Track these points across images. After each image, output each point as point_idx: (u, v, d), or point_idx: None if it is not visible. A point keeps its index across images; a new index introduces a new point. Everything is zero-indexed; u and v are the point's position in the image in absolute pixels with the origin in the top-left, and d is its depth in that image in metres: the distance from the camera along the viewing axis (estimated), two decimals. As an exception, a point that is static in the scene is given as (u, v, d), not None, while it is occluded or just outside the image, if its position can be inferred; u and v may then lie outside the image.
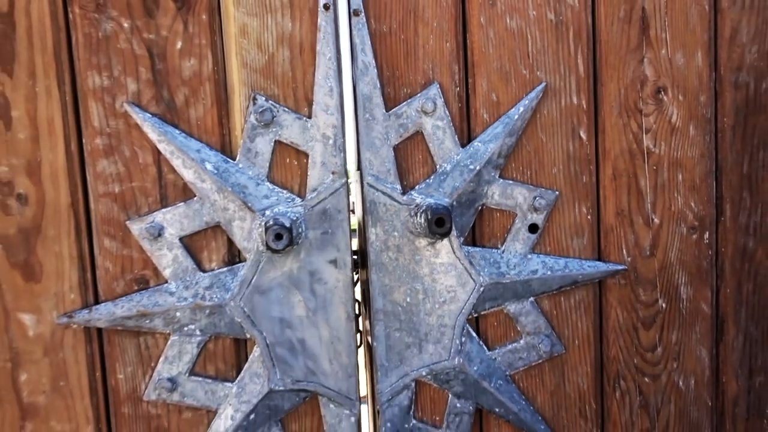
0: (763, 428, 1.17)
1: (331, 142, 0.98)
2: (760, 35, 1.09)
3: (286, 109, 0.97)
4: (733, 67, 1.09)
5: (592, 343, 1.11)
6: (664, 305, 1.11)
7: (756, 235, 1.12)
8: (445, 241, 1.02)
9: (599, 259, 1.09)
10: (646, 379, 1.13)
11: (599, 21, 1.05)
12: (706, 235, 1.11)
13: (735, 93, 1.09)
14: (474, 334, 1.07)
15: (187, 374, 1.00)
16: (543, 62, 1.04)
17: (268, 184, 0.98)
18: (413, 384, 1.06)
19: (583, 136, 1.06)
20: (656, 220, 1.09)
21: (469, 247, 1.05)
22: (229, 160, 0.97)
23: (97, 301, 0.96)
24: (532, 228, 1.07)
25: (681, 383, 1.13)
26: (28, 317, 0.95)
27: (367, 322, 1.09)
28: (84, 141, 0.93)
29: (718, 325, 1.13)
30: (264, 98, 0.96)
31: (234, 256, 0.99)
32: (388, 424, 1.06)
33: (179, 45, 0.94)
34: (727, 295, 1.13)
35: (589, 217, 1.08)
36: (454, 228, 1.01)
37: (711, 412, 1.15)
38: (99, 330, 0.97)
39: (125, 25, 0.92)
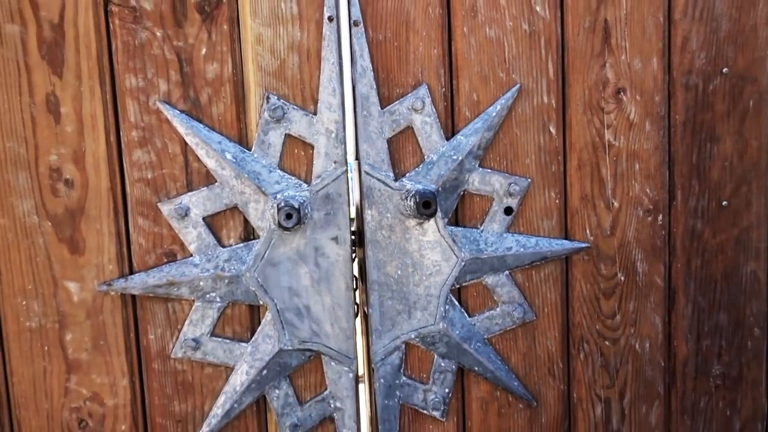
0: (709, 386, 1.34)
1: (333, 135, 1.14)
2: (708, 43, 1.24)
3: (295, 107, 1.13)
4: (684, 71, 1.25)
5: (560, 311, 1.27)
6: (622, 278, 1.28)
7: (703, 218, 1.29)
8: (432, 221, 1.18)
9: (566, 238, 1.25)
10: (607, 343, 1.29)
11: (567, 31, 1.21)
12: (660, 217, 1.27)
13: (686, 93, 1.25)
14: (456, 303, 1.23)
15: (208, 335, 1.16)
16: (518, 66, 1.20)
17: (278, 171, 1.14)
18: (403, 346, 1.23)
19: (553, 130, 1.22)
20: (616, 204, 1.26)
21: (452, 227, 1.21)
22: (245, 150, 1.13)
23: (131, 272, 1.12)
24: (508, 210, 1.23)
25: (637, 346, 1.30)
26: (73, 285, 1.10)
27: (364, 295, 1.25)
28: (121, 134, 1.09)
29: (670, 296, 1.30)
30: (276, 97, 1.12)
31: (249, 234, 1.15)
32: (382, 380, 1.22)
33: (204, 51, 1.09)
34: (678, 269, 1.29)
35: (557, 201, 1.24)
36: (439, 210, 1.17)
37: (664, 371, 1.32)
38: (133, 296, 1.13)
39: (158, 34, 1.07)
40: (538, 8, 1.19)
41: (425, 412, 1.25)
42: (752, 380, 1.35)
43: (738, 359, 1.34)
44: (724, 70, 1.25)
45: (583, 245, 1.25)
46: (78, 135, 1.07)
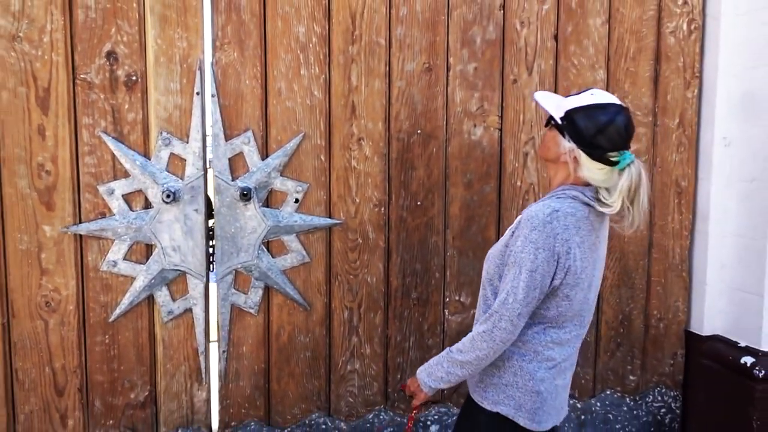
0: (410, 304, 2.40)
1: (197, 154, 2.12)
2: (411, 116, 2.30)
3: (176, 138, 2.10)
4: (397, 130, 2.30)
5: (324, 257, 2.30)
6: (360, 241, 2.32)
7: (407, 210, 2.35)
8: (251, 203, 2.18)
9: (330, 217, 2.28)
10: (351, 276, 2.33)
11: (332, 105, 2.23)
12: (383, 209, 2.33)
13: (398, 142, 2.31)
14: (265, 249, 2.24)
15: (122, 259, 2.11)
16: (304, 123, 2.21)
17: (166, 172, 2.11)
18: (234, 271, 2.22)
19: (322, 158, 2.25)
20: (357, 200, 2.30)
21: (264, 208, 2.21)
22: (148, 159, 2.09)
23: (80, 222, 2.06)
24: (296, 201, 2.24)
25: (369, 279, 2.35)
26: (47, 227, 2.03)
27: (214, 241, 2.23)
28: (79, 147, 2.02)
29: (388, 252, 2.36)
30: (166, 132, 2.08)
31: (148, 205, 2.11)
32: (221, 290, 2.21)
33: (126, 106, 2.04)
34: (392, 238, 2.35)
35: (324, 197, 2.27)
36: (255, 198, 2.17)
37: (384, 294, 2.38)
38: (81, 236, 2.07)
39: (101, 95, 2.02)
40: (315, 92, 2.21)
41: (246, 309, 2.25)
42: (434, 302, 2.43)
43: (426, 290, 2.42)
44: (419, 131, 2.32)
45: (339, 222, 2.29)
46: (54, 147, 2.00)
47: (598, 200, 1.53)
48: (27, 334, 2.07)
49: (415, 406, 1.76)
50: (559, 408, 1.65)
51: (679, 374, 2.70)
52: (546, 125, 1.65)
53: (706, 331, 2.63)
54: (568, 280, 1.50)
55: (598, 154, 1.51)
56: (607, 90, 2.44)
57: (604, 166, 1.52)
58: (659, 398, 2.69)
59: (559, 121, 1.56)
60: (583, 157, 1.53)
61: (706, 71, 2.57)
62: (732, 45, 2.49)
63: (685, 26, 2.53)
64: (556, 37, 2.40)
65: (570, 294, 1.52)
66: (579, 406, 2.60)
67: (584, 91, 1.58)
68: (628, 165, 1.51)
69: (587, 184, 1.56)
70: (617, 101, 1.56)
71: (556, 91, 2.41)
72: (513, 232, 1.54)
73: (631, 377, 2.65)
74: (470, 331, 1.59)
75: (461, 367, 1.55)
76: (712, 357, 2.58)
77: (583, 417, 2.61)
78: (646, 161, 2.55)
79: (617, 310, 2.60)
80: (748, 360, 2.42)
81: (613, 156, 1.51)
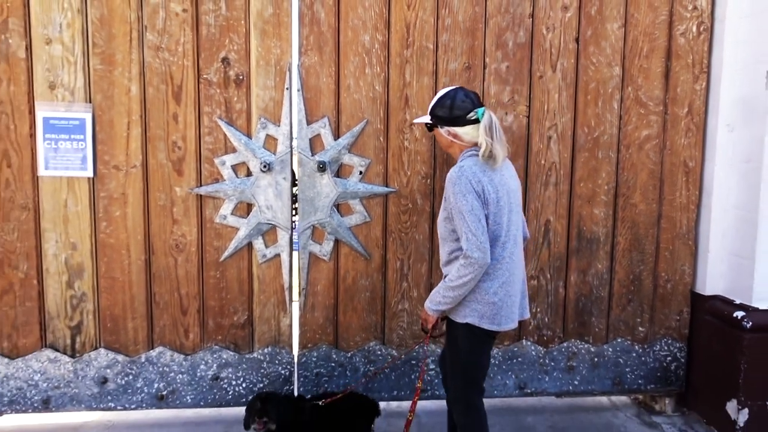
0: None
1: (286, 135, 2.77)
2: (453, 106, 2.86)
3: (271, 123, 2.76)
4: (442, 117, 2.87)
5: (382, 218, 2.91)
6: (410, 206, 2.91)
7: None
8: (326, 174, 2.82)
9: (386, 186, 2.89)
10: (403, 234, 2.93)
11: (389, 97, 2.82)
12: (429, 180, 2.91)
13: (442, 127, 2.88)
14: (336, 210, 2.87)
15: (230, 214, 2.80)
16: (367, 111, 2.82)
17: (263, 149, 2.77)
18: (312, 226, 2.87)
19: (381, 139, 2.85)
20: (408, 173, 2.89)
21: (335, 178, 2.84)
22: (250, 139, 2.76)
23: (201, 185, 2.76)
24: (360, 173, 2.86)
25: (417, 237, 2.94)
26: (178, 189, 2.75)
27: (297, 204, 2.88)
28: (201, 129, 2.72)
29: (433, 215, 2.94)
30: (263, 118, 2.75)
31: (250, 173, 2.79)
32: (301, 241, 2.87)
33: (235, 98, 2.72)
34: (436, 204, 2.93)
35: (383, 170, 2.87)
36: (329, 170, 2.80)
37: (429, 249, 2.96)
38: (201, 195, 2.78)
39: (218, 90, 2.70)
40: (377, 87, 2.81)
41: (320, 257, 2.90)
42: (470, 257, 2.99)
43: (464, 247, 2.98)
44: (460, 118, 2.87)
45: (393, 190, 2.89)
46: (184, 129, 2.71)
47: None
48: (162, 267, 2.80)
49: (430, 329, 2.34)
50: (516, 312, 2.20)
51: (685, 329, 3.14)
52: (430, 131, 2.33)
53: (708, 291, 3.05)
54: (491, 209, 2.08)
55: (462, 121, 2.18)
56: (621, 83, 2.92)
57: (471, 124, 2.17)
58: (666, 348, 3.14)
59: (431, 122, 2.26)
60: (457, 129, 2.19)
61: (713, 67, 2.97)
62: (736, 43, 2.89)
63: (694, 28, 2.94)
64: (577, 40, 2.89)
65: (497, 220, 2.10)
66: (593, 350, 3.10)
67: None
68: (483, 115, 2.15)
69: (476, 145, 2.19)
70: (452, 87, 2.24)
71: (576, 84, 2.90)
72: (445, 198, 2.13)
73: (641, 329, 3.12)
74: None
75: (453, 290, 2.12)
76: (713, 313, 3.01)
77: (596, 359, 3.10)
78: (656, 145, 2.99)
79: (628, 270, 3.07)
80: (739, 314, 2.84)
81: (471, 116, 2.17)
